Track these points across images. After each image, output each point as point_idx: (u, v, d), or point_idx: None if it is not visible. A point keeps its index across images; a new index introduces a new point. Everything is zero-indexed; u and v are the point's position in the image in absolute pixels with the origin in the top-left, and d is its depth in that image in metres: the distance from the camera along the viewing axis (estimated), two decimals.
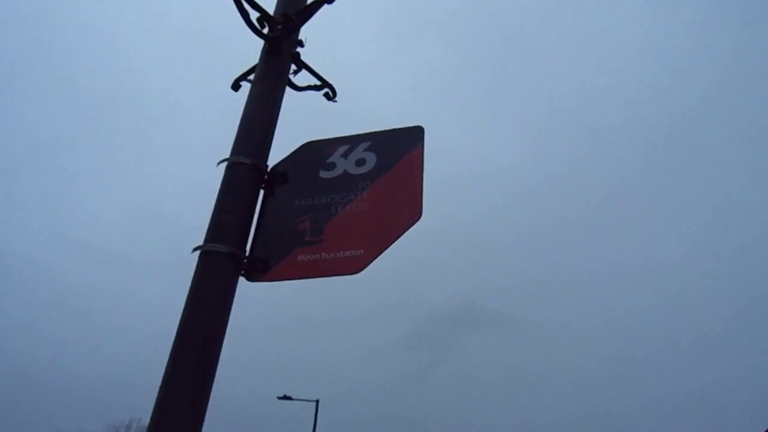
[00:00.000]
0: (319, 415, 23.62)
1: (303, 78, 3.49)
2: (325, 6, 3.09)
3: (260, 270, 2.39)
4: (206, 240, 2.36)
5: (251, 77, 3.22)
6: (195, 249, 2.34)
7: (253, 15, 3.10)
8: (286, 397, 23.87)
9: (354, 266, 2.30)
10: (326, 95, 3.55)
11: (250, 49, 3.37)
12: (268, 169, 2.71)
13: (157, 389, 2.06)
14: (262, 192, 2.66)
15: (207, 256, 2.30)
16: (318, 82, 3.50)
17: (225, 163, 2.62)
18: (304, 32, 3.36)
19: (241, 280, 2.42)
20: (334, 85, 3.55)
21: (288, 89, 3.24)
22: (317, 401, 23.93)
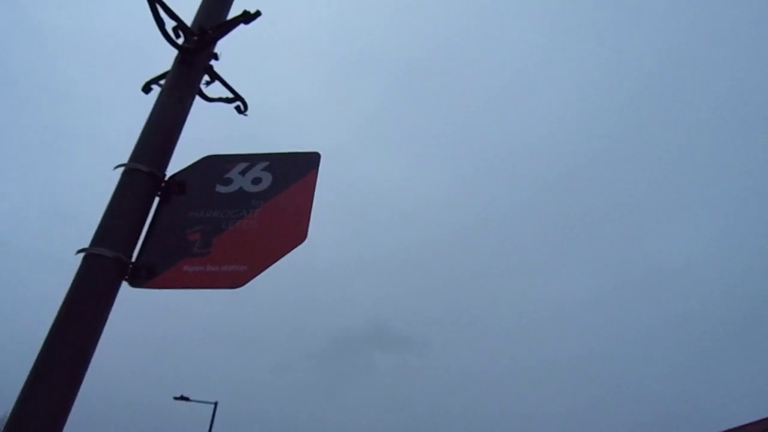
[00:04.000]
0: (217, 420, 23.02)
1: (217, 90, 3.57)
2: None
3: (144, 277, 2.45)
4: (92, 243, 2.40)
5: (163, 81, 3.27)
6: (79, 251, 2.38)
7: (170, 24, 3.16)
8: (183, 398, 23.11)
9: (236, 281, 2.41)
10: (237, 108, 3.64)
11: (171, 52, 3.41)
12: (166, 178, 2.77)
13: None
14: (157, 199, 2.73)
15: (90, 259, 2.34)
16: (230, 95, 3.59)
17: (122, 168, 2.66)
18: (227, 46, 3.46)
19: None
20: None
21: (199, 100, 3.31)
22: (215, 403, 23.33)
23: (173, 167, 2.92)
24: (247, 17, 3.13)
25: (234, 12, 3.43)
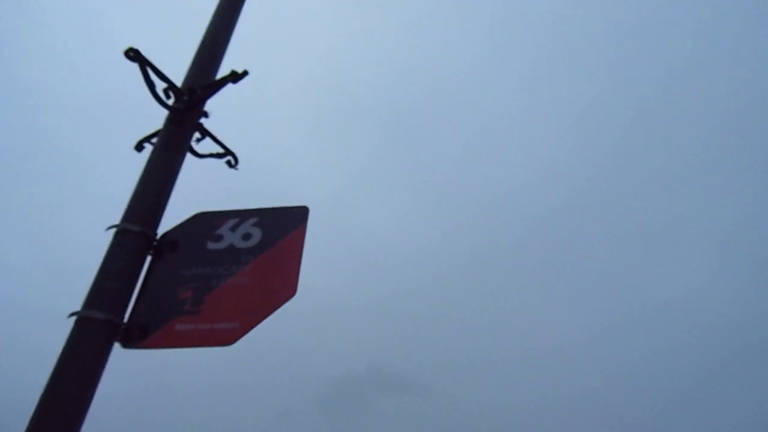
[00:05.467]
0: None
1: (208, 146, 3.66)
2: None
3: (137, 337, 2.47)
4: (84, 306, 2.42)
5: (155, 140, 3.35)
6: (71, 314, 2.40)
7: (161, 85, 3.26)
8: None
9: (228, 338, 2.43)
10: (228, 163, 3.71)
11: (162, 110, 3.50)
12: (158, 237, 2.82)
13: None
14: (149, 258, 2.76)
15: (82, 322, 2.36)
16: (221, 150, 3.67)
17: (113, 229, 2.71)
18: (216, 100, 3.56)
19: None
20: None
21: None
22: None
23: (165, 225, 2.98)
24: (235, 77, 3.24)
25: (222, 71, 3.56)
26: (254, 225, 2.84)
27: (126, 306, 2.53)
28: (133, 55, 3.10)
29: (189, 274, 2.69)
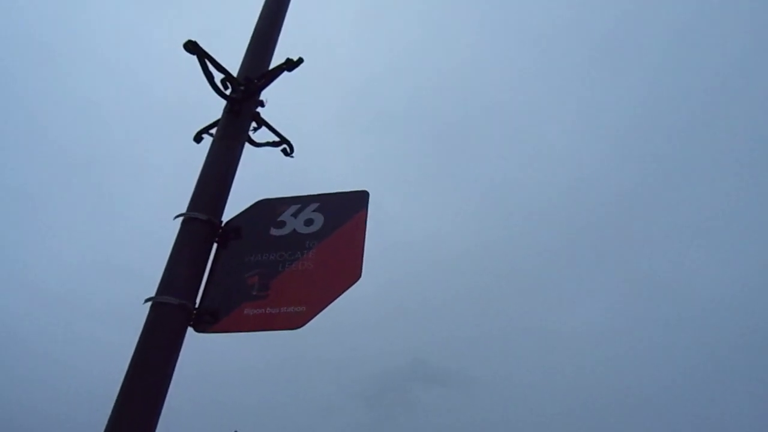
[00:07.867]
0: None
1: (263, 134, 3.71)
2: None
3: (208, 322, 2.54)
4: (158, 292, 2.51)
5: (213, 131, 3.42)
6: (147, 300, 2.49)
7: (218, 77, 3.32)
8: None
9: (296, 322, 2.48)
10: (284, 151, 3.76)
11: (219, 102, 3.57)
12: (223, 224, 2.89)
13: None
14: (215, 245, 2.83)
15: (158, 307, 2.45)
16: (277, 139, 3.72)
17: (181, 218, 2.79)
18: (268, 93, 3.60)
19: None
20: (293, 143, 3.78)
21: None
22: None
23: (228, 213, 3.05)
24: (290, 65, 3.27)
25: (276, 60, 3.60)
26: (316, 210, 2.87)
27: (197, 291, 2.60)
28: (191, 47, 3.16)
29: (254, 259, 2.74)
